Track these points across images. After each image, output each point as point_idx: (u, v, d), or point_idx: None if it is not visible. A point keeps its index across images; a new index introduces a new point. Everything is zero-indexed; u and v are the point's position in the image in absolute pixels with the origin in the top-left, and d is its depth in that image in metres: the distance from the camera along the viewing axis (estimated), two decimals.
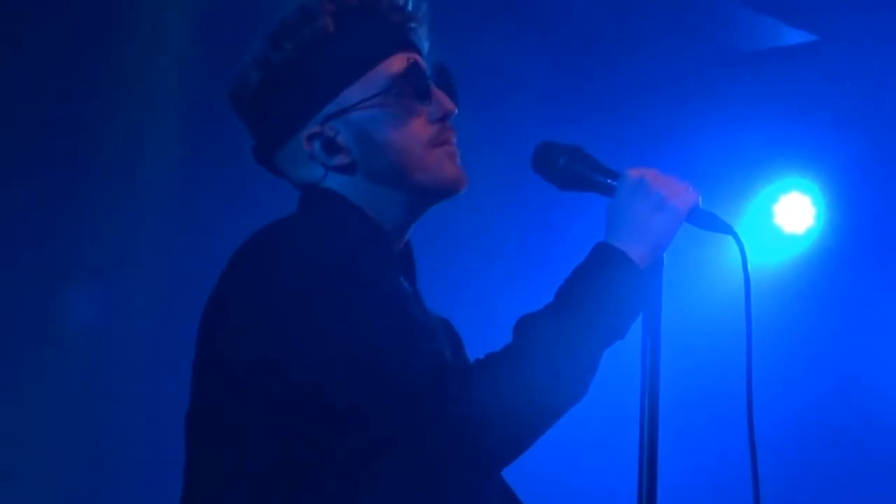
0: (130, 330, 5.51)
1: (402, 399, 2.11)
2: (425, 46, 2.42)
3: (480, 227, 5.46)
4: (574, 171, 2.34)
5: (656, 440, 2.26)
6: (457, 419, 2.09)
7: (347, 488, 2.16)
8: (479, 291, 5.54)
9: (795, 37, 5.90)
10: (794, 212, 6.07)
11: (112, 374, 5.48)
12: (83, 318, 5.41)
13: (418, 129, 2.35)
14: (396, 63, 2.37)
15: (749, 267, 2.32)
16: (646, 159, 2.34)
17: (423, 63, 2.39)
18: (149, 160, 5.53)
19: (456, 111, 2.39)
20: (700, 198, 2.29)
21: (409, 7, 2.40)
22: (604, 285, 2.21)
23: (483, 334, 2.53)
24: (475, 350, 2.29)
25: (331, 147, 2.34)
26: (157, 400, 5.44)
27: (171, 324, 5.47)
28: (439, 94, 2.38)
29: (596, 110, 5.95)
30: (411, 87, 2.35)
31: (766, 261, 5.96)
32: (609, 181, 2.32)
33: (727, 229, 2.31)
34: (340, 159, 2.35)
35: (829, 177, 6.02)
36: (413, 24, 2.41)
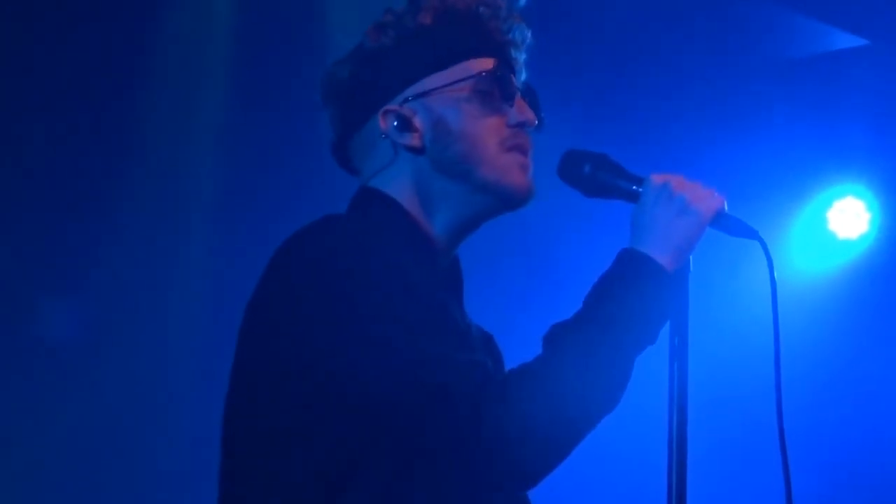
0: (109, 341, 5.54)
1: (441, 409, 2.10)
2: (520, 71, 2.43)
3: (505, 236, 5.46)
4: (599, 178, 2.34)
5: (685, 445, 2.25)
6: (495, 432, 2.09)
7: (383, 494, 2.16)
8: (504, 299, 5.53)
9: (847, 41, 5.86)
10: (848, 217, 6.02)
11: (91, 386, 5.50)
12: (60, 330, 5.44)
13: (495, 127, 2.36)
14: (485, 63, 2.38)
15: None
16: (696, 167, 2.34)
17: (513, 76, 2.40)
18: (129, 172, 5.55)
19: (535, 123, 2.39)
20: (725, 202, 2.28)
21: (513, 34, 2.42)
22: (632, 291, 2.21)
23: (511, 345, 2.54)
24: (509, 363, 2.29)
25: (405, 125, 2.36)
26: (138, 410, 5.50)
27: (148, 335, 5.53)
28: (523, 103, 2.39)
29: (648, 119, 5.94)
30: (496, 87, 2.37)
31: (819, 267, 5.92)
32: (634, 187, 2.32)
33: (753, 234, 2.30)
34: (412, 140, 2.36)
35: (883, 182, 5.97)
36: (514, 39, 2.42)
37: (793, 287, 5.33)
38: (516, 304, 5.54)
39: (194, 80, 5.61)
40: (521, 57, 2.43)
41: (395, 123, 2.36)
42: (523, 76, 2.44)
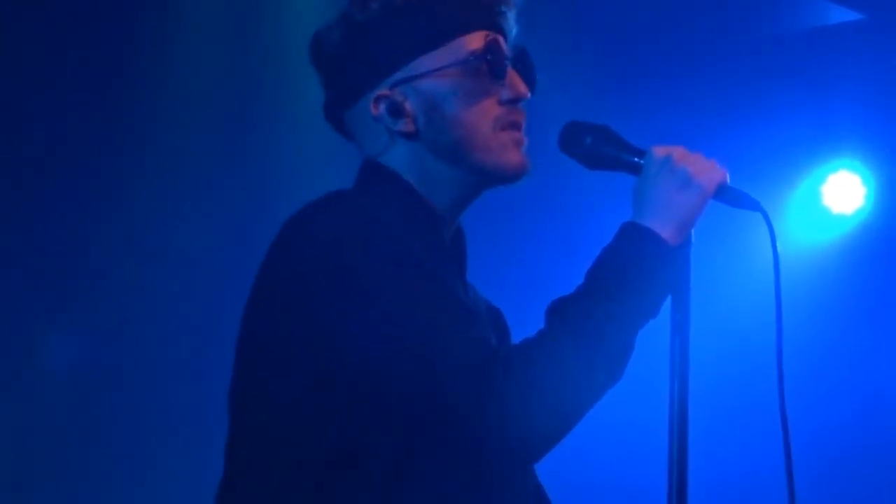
0: (109, 368, 5.53)
1: (445, 384, 2.10)
2: (511, 30, 2.40)
3: (506, 211, 5.46)
4: (600, 150, 2.33)
5: (686, 419, 2.25)
6: (499, 407, 2.08)
7: (388, 470, 2.16)
8: (508, 275, 5.53)
9: (842, 15, 5.85)
10: (843, 192, 6.03)
11: (90, 412, 5.49)
12: (62, 357, 5.43)
13: (487, 109, 2.33)
14: (476, 39, 2.35)
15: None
16: (693, 142, 2.33)
17: (503, 44, 2.37)
18: (127, 196, 5.53)
19: (529, 96, 2.37)
20: (727, 175, 2.28)
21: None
22: (635, 264, 2.20)
23: (516, 319, 2.53)
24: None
25: (397, 111, 2.33)
26: (134, 435, 5.49)
27: (150, 361, 5.52)
28: (514, 77, 2.36)
29: (639, 93, 5.93)
30: (487, 66, 2.33)
31: (814, 241, 5.93)
32: (635, 159, 2.31)
33: (755, 206, 2.29)
34: (405, 125, 2.33)
35: (878, 157, 5.98)
36: (503, 8, 2.39)
37: (788, 261, 5.29)
38: (519, 279, 5.54)
39: (190, 84, 5.59)
40: (511, 13, 2.40)
41: (387, 109, 2.34)
42: (514, 33, 2.40)
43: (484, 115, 2.33)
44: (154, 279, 5.53)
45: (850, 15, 5.85)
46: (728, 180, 2.27)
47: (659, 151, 2.28)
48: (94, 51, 5.35)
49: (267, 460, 2.20)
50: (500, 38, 2.37)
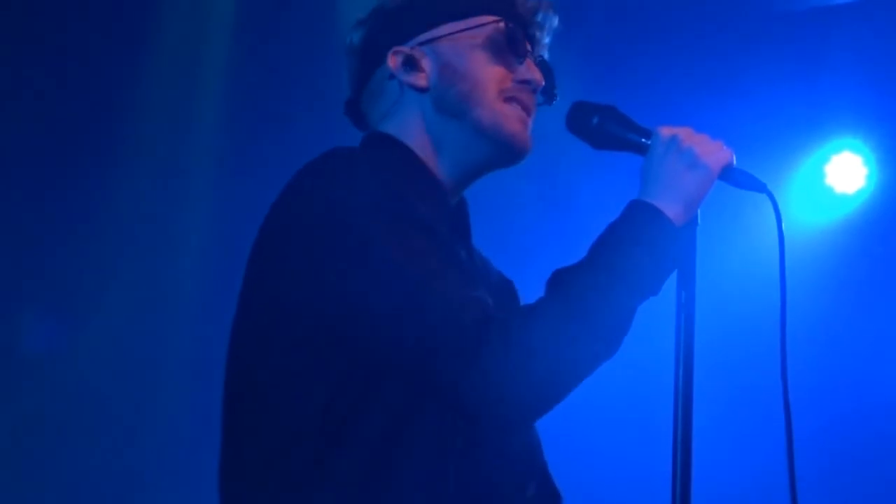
0: (88, 356, 5.53)
1: (443, 344, 2.11)
2: (538, 44, 2.46)
3: (511, 189, 5.46)
4: (607, 129, 2.35)
5: (691, 396, 2.26)
6: (495, 367, 2.09)
7: (385, 428, 2.17)
8: (513, 252, 5.54)
9: None
10: (846, 172, 6.03)
11: (69, 400, 5.49)
12: (40, 344, 5.43)
13: (499, 76, 2.39)
14: (502, 23, 2.41)
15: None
16: (696, 121, 2.34)
17: (529, 45, 2.43)
18: (112, 188, 5.53)
19: (542, 83, 2.41)
20: (734, 156, 2.29)
21: (537, 14, 2.45)
22: (638, 240, 2.22)
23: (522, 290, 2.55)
24: None
25: (413, 66, 2.40)
26: (114, 422, 5.49)
27: (131, 349, 5.52)
28: (534, 67, 2.42)
29: (640, 73, 5.93)
30: (508, 41, 2.40)
31: (817, 221, 5.93)
32: (642, 140, 2.32)
33: (761, 187, 2.31)
34: (418, 79, 2.40)
35: (880, 137, 5.97)
36: (534, 30, 2.45)
37: (791, 241, 5.29)
38: (527, 253, 5.54)
39: (190, 79, 5.59)
40: (542, 36, 2.46)
41: (403, 62, 2.40)
42: (544, 54, 2.46)
43: (494, 79, 2.38)
44: (147, 267, 5.55)
45: None
46: (734, 161, 2.29)
47: (666, 132, 2.29)
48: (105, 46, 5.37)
49: (263, 425, 2.21)
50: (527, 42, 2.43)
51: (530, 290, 2.41)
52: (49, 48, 5.33)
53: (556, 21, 2.47)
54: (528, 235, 5.88)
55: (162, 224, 5.58)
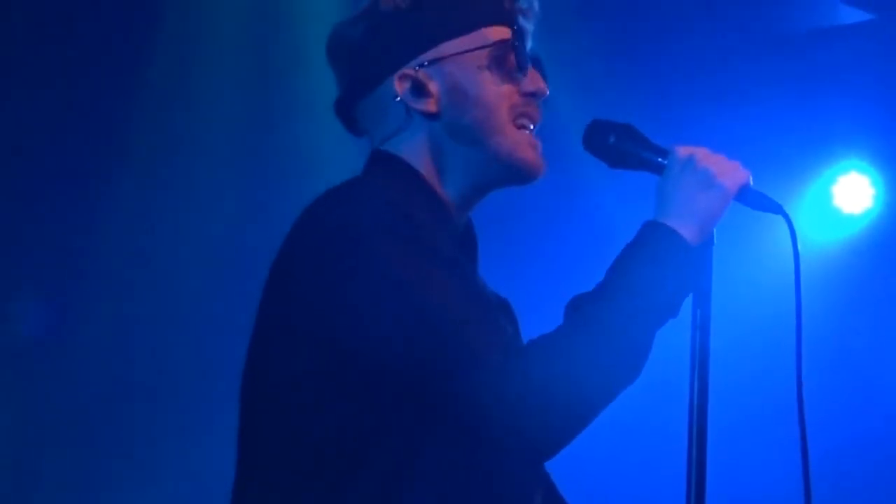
0: (83, 339, 5.53)
1: (463, 374, 2.11)
2: (528, 39, 2.43)
3: (530, 208, 5.47)
4: (624, 148, 2.34)
5: (706, 418, 2.26)
6: (516, 400, 2.09)
7: (401, 461, 2.17)
8: (528, 272, 5.55)
9: (852, 16, 5.86)
10: (853, 193, 6.04)
11: (64, 384, 5.49)
12: (34, 328, 5.43)
13: (507, 94, 2.36)
14: (501, 31, 2.38)
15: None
16: (704, 141, 2.34)
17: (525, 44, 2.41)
18: (105, 169, 5.54)
19: (547, 93, 2.39)
20: (750, 177, 2.29)
21: (522, 2, 2.42)
22: (655, 263, 2.21)
23: (535, 315, 2.54)
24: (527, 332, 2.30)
25: (420, 90, 2.36)
26: (108, 408, 5.50)
27: (124, 334, 5.53)
28: (535, 74, 2.40)
29: (654, 94, 5.94)
30: (511, 55, 2.37)
31: (824, 241, 5.94)
32: (659, 159, 2.32)
33: (777, 209, 2.31)
34: (427, 105, 2.35)
35: (887, 158, 5.98)
36: (521, 19, 2.42)
37: (790, 260, 5.29)
38: (539, 277, 5.55)
39: (191, 75, 5.60)
40: (530, 26, 2.43)
41: (410, 88, 2.36)
42: (530, 45, 2.43)
43: (504, 100, 2.36)
44: (149, 265, 5.55)
45: (860, 15, 5.85)
46: (751, 182, 2.29)
47: (682, 151, 2.29)
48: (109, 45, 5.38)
49: (280, 452, 2.21)
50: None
51: (536, 302, 2.42)
52: (56, 49, 5.34)
53: (536, 4, 2.44)
54: (538, 248, 5.89)
55: (167, 221, 5.59)
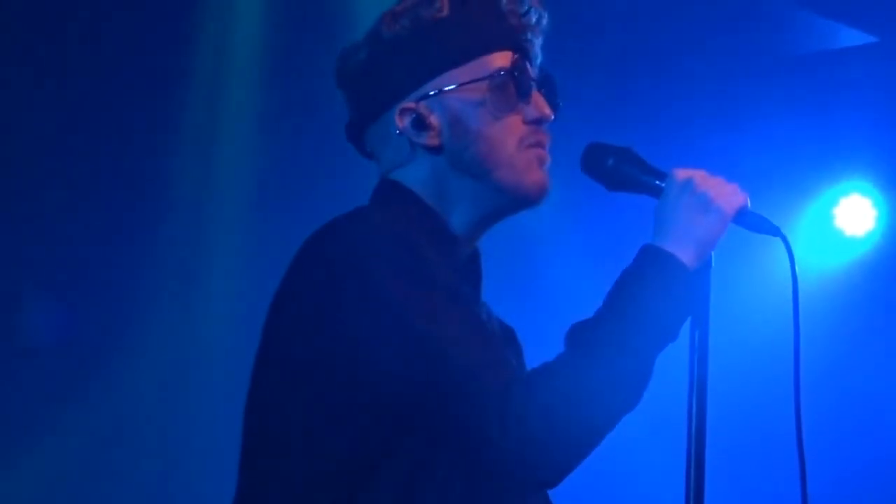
0: (91, 345, 5.53)
1: (466, 406, 2.11)
2: (536, 56, 2.41)
3: (528, 230, 5.46)
4: (622, 171, 2.34)
5: (703, 442, 2.26)
6: (519, 431, 2.09)
7: (404, 491, 2.17)
8: (527, 295, 5.54)
9: (853, 38, 5.87)
10: (855, 214, 6.04)
11: (73, 387, 5.50)
12: (44, 334, 5.44)
13: (512, 126, 2.34)
14: (503, 58, 2.36)
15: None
16: (705, 162, 2.34)
17: (529, 66, 2.38)
18: (110, 174, 5.56)
19: (553, 118, 2.38)
20: (748, 199, 2.29)
21: (529, 17, 2.40)
22: (654, 288, 2.20)
23: (535, 339, 2.54)
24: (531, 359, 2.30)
25: (422, 125, 2.34)
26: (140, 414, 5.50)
27: (130, 339, 5.53)
28: (539, 99, 2.37)
29: (654, 115, 5.94)
30: (514, 84, 2.35)
31: (825, 264, 5.93)
32: (657, 182, 2.31)
33: (775, 231, 2.31)
34: (429, 139, 2.34)
35: (889, 180, 5.98)
36: (529, 35, 2.40)
37: (801, 284, 5.26)
38: (536, 298, 5.55)
39: (217, 79, 5.62)
40: (537, 41, 2.42)
41: (412, 122, 2.35)
42: (539, 60, 2.42)
43: (509, 132, 2.34)
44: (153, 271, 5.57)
45: (862, 38, 5.86)
46: (749, 205, 2.29)
47: (680, 174, 2.28)
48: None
49: (283, 474, 2.20)
50: (526, 61, 2.39)
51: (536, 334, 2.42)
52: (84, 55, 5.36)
53: (545, 18, 2.42)
54: (538, 268, 5.89)
55: (188, 228, 5.60)
